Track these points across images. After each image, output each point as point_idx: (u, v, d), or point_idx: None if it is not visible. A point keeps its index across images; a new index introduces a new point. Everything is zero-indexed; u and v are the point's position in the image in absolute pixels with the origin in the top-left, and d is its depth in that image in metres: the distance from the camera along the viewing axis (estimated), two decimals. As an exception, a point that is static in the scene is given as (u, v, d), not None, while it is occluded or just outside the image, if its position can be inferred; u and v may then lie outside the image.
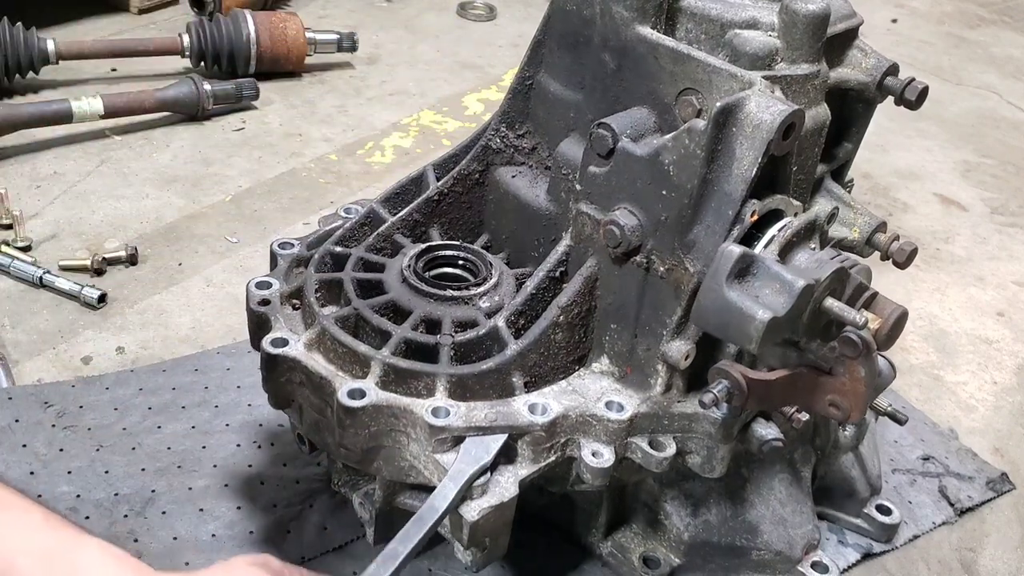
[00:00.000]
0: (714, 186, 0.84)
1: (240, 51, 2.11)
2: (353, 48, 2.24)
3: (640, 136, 0.88)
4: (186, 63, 2.16)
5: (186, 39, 2.11)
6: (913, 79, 1.08)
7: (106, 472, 1.17)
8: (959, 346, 1.64)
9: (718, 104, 0.81)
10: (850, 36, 1.08)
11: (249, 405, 1.30)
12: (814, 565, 1.13)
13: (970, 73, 2.63)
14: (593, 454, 0.89)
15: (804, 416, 0.96)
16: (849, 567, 1.21)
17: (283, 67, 2.19)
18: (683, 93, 0.88)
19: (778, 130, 0.81)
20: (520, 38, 2.44)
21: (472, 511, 0.82)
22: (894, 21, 2.85)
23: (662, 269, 0.88)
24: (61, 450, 1.20)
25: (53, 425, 1.23)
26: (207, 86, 1.98)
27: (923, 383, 1.55)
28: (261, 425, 1.28)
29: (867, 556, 1.22)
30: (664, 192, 0.85)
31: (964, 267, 1.87)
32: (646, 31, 0.91)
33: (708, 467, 0.94)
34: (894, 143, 2.23)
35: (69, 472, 1.17)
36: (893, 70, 1.08)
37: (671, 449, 0.91)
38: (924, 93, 1.08)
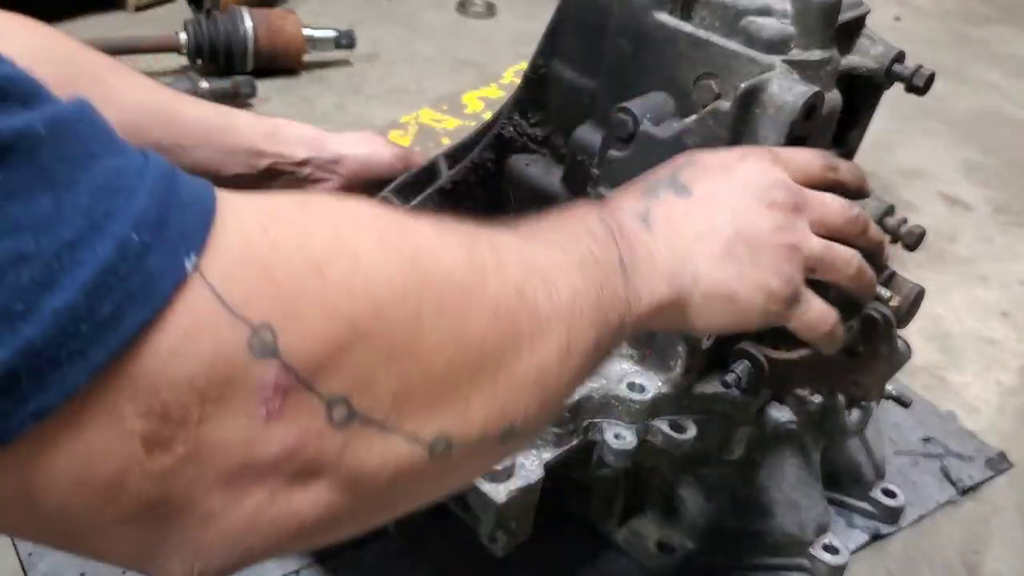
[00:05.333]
0: (738, 168, 0.85)
1: (238, 48, 2.10)
2: (351, 45, 2.24)
3: (660, 120, 0.89)
4: (183, 60, 2.15)
5: (183, 36, 2.11)
6: (921, 66, 1.09)
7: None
8: (963, 346, 1.64)
9: (742, 85, 0.82)
10: (858, 24, 1.09)
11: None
12: (825, 547, 1.14)
13: (974, 71, 2.62)
14: (616, 436, 0.89)
15: (817, 399, 0.97)
16: (858, 548, 1.22)
17: (281, 64, 2.18)
18: (701, 78, 0.89)
19: (801, 111, 0.82)
20: (520, 36, 2.43)
21: (500, 494, 0.82)
22: (897, 19, 2.85)
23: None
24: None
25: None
26: (204, 84, 1.97)
27: (927, 384, 1.55)
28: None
29: (876, 537, 1.24)
30: (688, 174, 0.86)
31: (968, 267, 1.86)
32: (664, 17, 0.92)
33: (727, 449, 0.94)
34: (898, 142, 2.23)
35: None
36: (900, 57, 1.10)
37: (692, 431, 0.92)
38: (931, 79, 1.09)
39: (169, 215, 0.38)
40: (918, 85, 1.12)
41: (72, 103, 0.38)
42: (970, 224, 2.00)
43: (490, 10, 2.63)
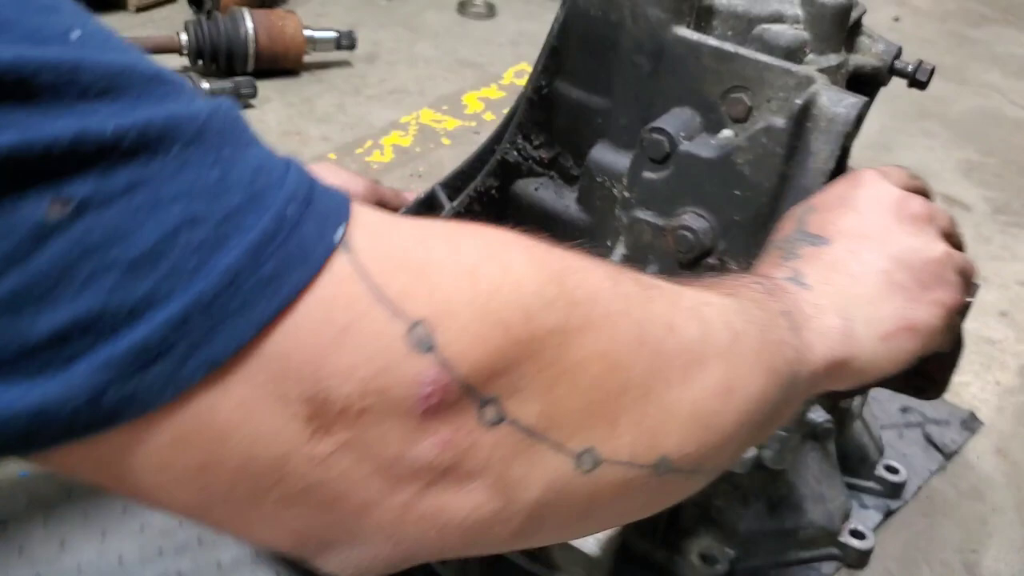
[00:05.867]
0: (791, 182, 0.85)
1: (238, 49, 2.10)
2: (352, 46, 2.24)
3: (691, 137, 0.88)
4: (184, 62, 2.15)
5: (184, 37, 2.10)
6: (922, 61, 1.11)
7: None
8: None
9: (797, 101, 0.82)
10: (858, 24, 1.10)
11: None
12: (852, 533, 1.17)
13: (973, 72, 2.61)
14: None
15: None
16: (876, 527, 1.25)
17: (281, 65, 2.18)
18: (731, 91, 0.88)
19: (854, 122, 0.82)
20: (521, 36, 2.42)
21: (592, 546, 0.84)
22: (896, 19, 2.83)
23: (736, 269, 0.88)
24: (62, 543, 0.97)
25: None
26: (205, 85, 1.97)
27: (927, 384, 1.57)
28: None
29: (888, 514, 1.27)
30: (738, 193, 0.85)
31: (968, 267, 1.88)
32: (684, 31, 0.91)
33: (779, 459, 0.93)
34: (897, 141, 2.22)
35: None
36: (898, 53, 1.11)
37: (753, 449, 0.92)
38: (932, 73, 1.11)
39: (315, 196, 0.41)
40: (921, 80, 1.11)
41: (225, 100, 0.42)
42: (969, 224, 1.98)
43: (490, 10, 2.61)
